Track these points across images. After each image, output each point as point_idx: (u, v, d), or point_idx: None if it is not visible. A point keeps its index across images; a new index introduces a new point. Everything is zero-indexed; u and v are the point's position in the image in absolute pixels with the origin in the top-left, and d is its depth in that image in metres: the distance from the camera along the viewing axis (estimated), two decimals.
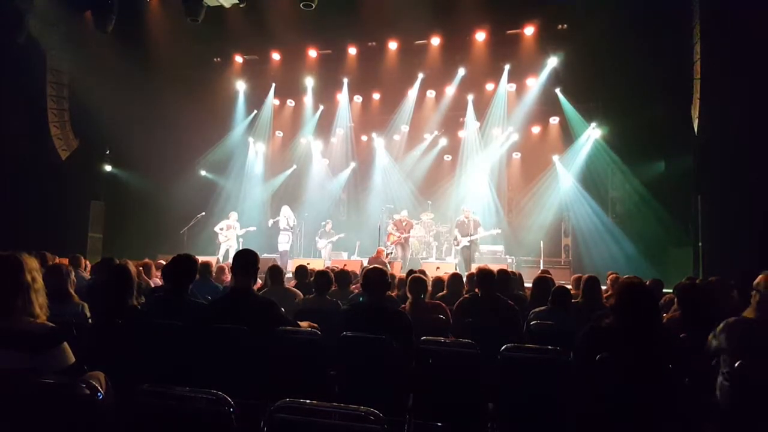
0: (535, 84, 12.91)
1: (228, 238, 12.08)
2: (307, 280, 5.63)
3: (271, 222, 12.42)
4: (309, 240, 13.81)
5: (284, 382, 3.04)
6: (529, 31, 11.67)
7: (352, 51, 13.02)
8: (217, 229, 12.12)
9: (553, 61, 12.28)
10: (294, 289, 5.18)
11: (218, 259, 11.25)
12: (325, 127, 15.24)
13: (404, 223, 12.40)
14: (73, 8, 10.76)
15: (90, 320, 3.65)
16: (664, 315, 4.05)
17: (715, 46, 8.96)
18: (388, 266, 10.03)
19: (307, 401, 1.85)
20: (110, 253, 9.99)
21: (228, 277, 6.57)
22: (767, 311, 2.84)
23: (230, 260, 11.20)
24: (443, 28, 11.77)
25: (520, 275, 6.61)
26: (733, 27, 8.49)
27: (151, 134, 12.17)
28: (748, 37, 8.16)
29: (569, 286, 5.32)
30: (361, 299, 4.72)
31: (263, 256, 10.17)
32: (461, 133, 14.61)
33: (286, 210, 12.22)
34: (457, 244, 11.33)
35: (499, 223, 13.18)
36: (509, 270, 7.04)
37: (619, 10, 9.77)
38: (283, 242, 12.03)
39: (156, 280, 6.26)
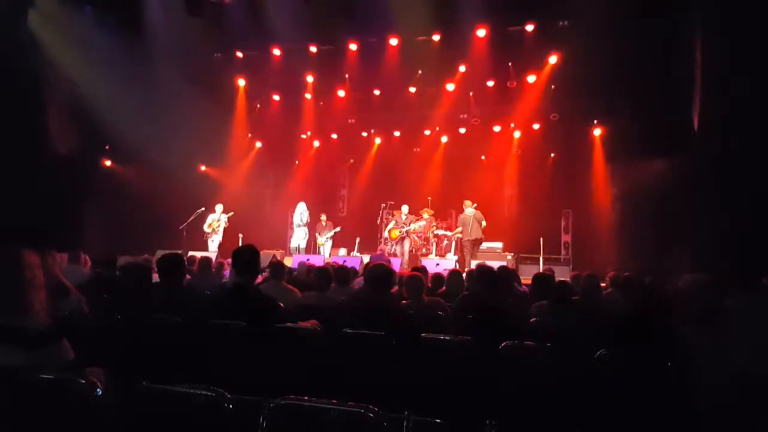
0: (535, 81, 12.87)
1: (214, 231, 12.05)
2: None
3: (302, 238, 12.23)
4: (309, 236, 13.79)
5: (283, 378, 3.04)
6: (530, 27, 11.63)
7: (353, 47, 12.99)
8: (207, 228, 12.04)
9: (554, 58, 12.23)
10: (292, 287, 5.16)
11: (217, 255, 11.24)
12: (325, 123, 15.21)
13: (404, 218, 12.42)
14: (74, 2, 10.72)
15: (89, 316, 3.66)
16: (663, 313, 4.05)
17: (717, 43, 8.93)
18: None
19: (307, 398, 1.85)
20: (109, 249, 9.97)
21: (228, 272, 6.56)
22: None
23: (217, 253, 11.24)
24: (444, 25, 11.73)
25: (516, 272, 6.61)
26: (735, 24, 8.46)
27: (151, 129, 12.12)
28: (750, 35, 8.13)
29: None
30: (361, 295, 4.72)
31: (263, 251, 10.16)
32: (461, 130, 14.58)
33: (301, 206, 12.21)
34: (459, 240, 11.28)
35: (498, 219, 13.17)
36: (508, 267, 7.03)
37: (620, 7, 9.73)
38: (299, 238, 12.04)
39: (155, 276, 6.25)
